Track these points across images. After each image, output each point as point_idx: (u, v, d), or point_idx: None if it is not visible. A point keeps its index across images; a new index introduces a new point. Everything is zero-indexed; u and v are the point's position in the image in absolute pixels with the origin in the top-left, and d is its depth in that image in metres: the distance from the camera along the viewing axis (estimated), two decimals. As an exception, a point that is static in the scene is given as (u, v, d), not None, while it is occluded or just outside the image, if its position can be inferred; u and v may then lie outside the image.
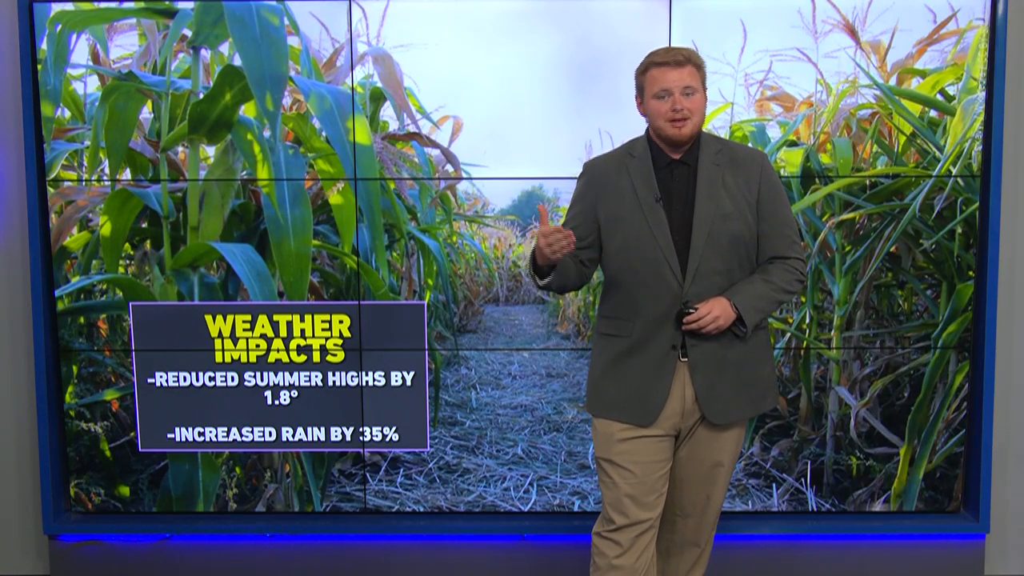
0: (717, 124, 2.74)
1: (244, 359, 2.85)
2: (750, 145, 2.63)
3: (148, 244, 2.82)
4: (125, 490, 2.93)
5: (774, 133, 2.76)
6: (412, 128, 2.78)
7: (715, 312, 2.06)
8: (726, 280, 2.12)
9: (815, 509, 2.89)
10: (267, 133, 2.75)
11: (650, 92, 2.12)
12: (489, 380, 2.90)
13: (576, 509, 2.90)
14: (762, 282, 2.13)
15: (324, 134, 2.76)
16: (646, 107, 2.15)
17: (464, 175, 2.80)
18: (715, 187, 2.12)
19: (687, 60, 2.09)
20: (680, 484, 2.25)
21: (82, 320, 2.87)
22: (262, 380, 2.87)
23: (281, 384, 2.87)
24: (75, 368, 2.87)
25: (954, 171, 2.74)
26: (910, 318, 2.83)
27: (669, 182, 2.14)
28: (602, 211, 2.18)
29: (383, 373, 2.86)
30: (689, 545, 2.32)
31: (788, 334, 2.85)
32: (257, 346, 2.84)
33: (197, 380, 2.87)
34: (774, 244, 2.17)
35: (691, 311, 2.07)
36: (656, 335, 2.12)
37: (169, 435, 2.89)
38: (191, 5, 2.72)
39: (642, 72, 2.14)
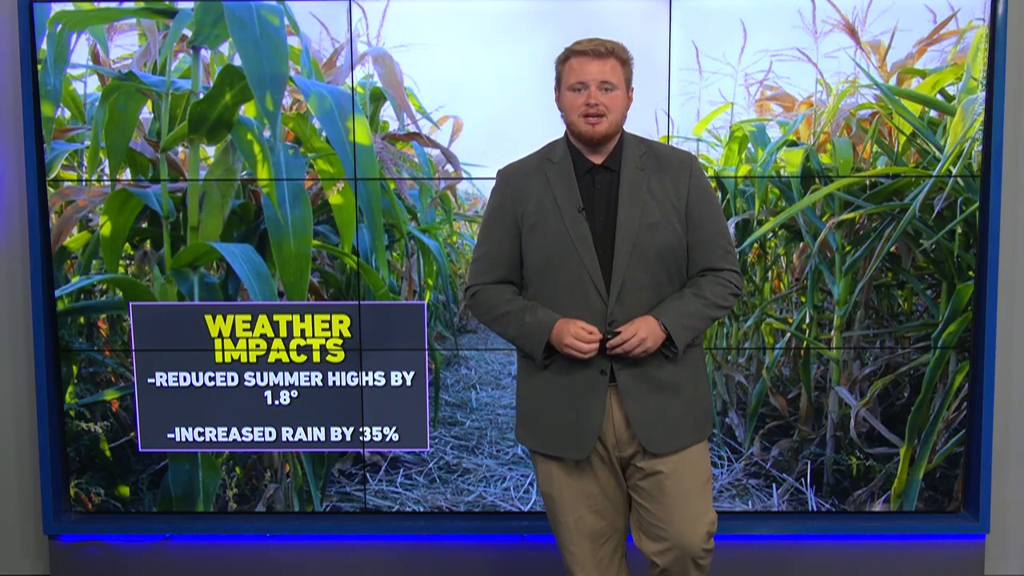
0: (717, 124, 2.74)
1: (244, 359, 2.85)
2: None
3: (148, 244, 2.82)
4: (125, 490, 2.93)
5: (774, 133, 2.76)
6: (412, 128, 2.78)
7: (641, 334, 1.89)
8: (654, 296, 1.96)
9: (815, 509, 2.89)
10: (267, 133, 2.75)
11: (566, 83, 1.95)
12: (489, 380, 2.90)
13: (576, 509, 2.90)
14: (693, 297, 1.97)
15: (324, 134, 2.76)
16: (562, 100, 1.99)
17: (464, 175, 2.80)
18: (639, 193, 1.96)
19: (610, 53, 1.93)
20: (663, 522, 2.00)
21: (82, 320, 2.87)
22: (262, 380, 2.87)
23: (281, 384, 2.87)
24: (75, 368, 2.87)
25: (954, 171, 2.74)
26: (910, 318, 2.83)
27: (591, 190, 1.98)
28: (522, 222, 2.01)
29: (383, 373, 2.86)
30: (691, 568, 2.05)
31: (788, 334, 2.85)
32: (257, 346, 2.84)
33: (197, 380, 2.87)
34: (706, 255, 2.00)
35: (615, 334, 1.91)
36: (582, 360, 1.94)
37: (169, 435, 2.89)
38: (191, 5, 2.72)
39: (562, 61, 1.98)
